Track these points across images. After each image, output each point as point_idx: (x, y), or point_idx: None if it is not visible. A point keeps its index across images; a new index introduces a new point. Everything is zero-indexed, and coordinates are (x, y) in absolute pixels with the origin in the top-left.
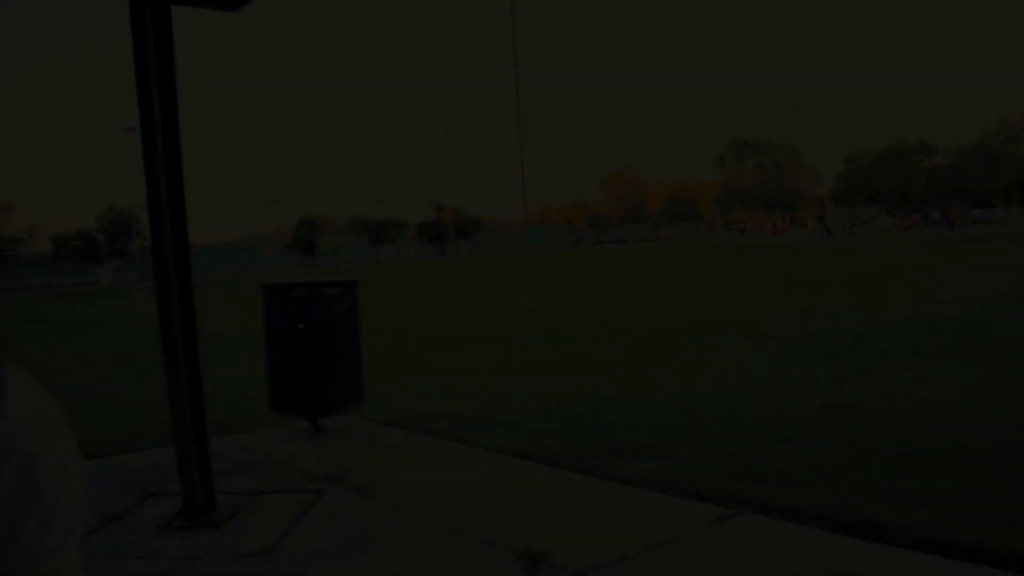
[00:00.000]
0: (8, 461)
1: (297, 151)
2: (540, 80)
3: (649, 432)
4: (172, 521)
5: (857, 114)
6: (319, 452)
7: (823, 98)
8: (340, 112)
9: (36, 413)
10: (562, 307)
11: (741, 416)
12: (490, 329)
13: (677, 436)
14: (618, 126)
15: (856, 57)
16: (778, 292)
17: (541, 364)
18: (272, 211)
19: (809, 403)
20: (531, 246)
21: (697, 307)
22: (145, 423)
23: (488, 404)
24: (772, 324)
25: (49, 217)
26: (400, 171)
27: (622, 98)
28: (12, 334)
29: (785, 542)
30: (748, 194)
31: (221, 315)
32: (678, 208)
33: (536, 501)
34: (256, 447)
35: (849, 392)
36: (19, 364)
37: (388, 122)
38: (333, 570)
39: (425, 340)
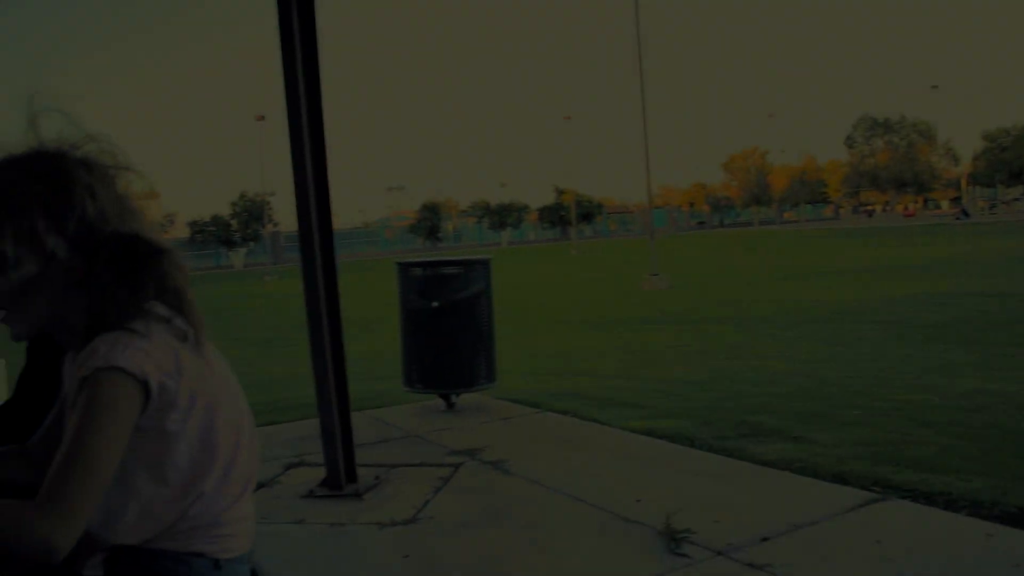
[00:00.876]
0: (194, 410)
1: (419, 136)
2: (662, 62)
3: (783, 414)
4: (315, 490)
5: (997, 90)
6: (453, 428)
7: (960, 74)
8: (461, 97)
9: (220, 376)
10: (685, 290)
11: (879, 401)
12: (614, 312)
13: (813, 419)
14: (742, 106)
15: (996, 30)
16: (909, 276)
17: (666, 346)
18: (393, 196)
19: (951, 389)
20: (653, 229)
21: (824, 291)
22: (284, 398)
23: (615, 385)
24: (905, 309)
25: (186, 204)
26: (522, 155)
27: (746, 78)
28: None
29: (937, 528)
30: (878, 175)
31: (350, 297)
32: (804, 190)
33: (673, 480)
34: (391, 422)
35: (994, 379)
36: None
37: (510, 106)
38: (474, 539)
39: (550, 322)
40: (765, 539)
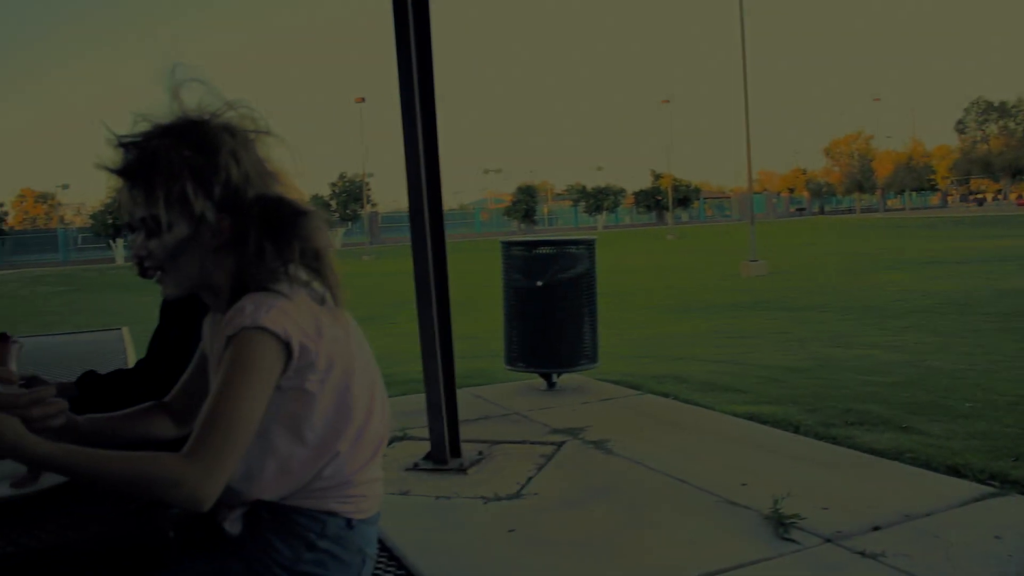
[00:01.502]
0: (332, 372)
1: (516, 119)
2: (763, 44)
3: (892, 404)
4: (420, 463)
5: None
6: (554, 407)
7: None
8: (559, 79)
9: (355, 340)
10: (785, 276)
11: (993, 395)
12: (712, 297)
13: (923, 410)
14: (846, 90)
15: None
16: (1022, 268)
17: (767, 332)
18: (490, 179)
19: None
20: (753, 214)
21: (931, 281)
22: (386, 375)
23: (716, 369)
24: (1018, 302)
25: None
26: (619, 139)
27: (850, 60)
28: None
29: None
30: (991, 161)
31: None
32: (909, 176)
33: (778, 465)
34: (492, 400)
35: None
36: None
37: (608, 89)
38: (579, 517)
39: (648, 306)
40: (876, 528)
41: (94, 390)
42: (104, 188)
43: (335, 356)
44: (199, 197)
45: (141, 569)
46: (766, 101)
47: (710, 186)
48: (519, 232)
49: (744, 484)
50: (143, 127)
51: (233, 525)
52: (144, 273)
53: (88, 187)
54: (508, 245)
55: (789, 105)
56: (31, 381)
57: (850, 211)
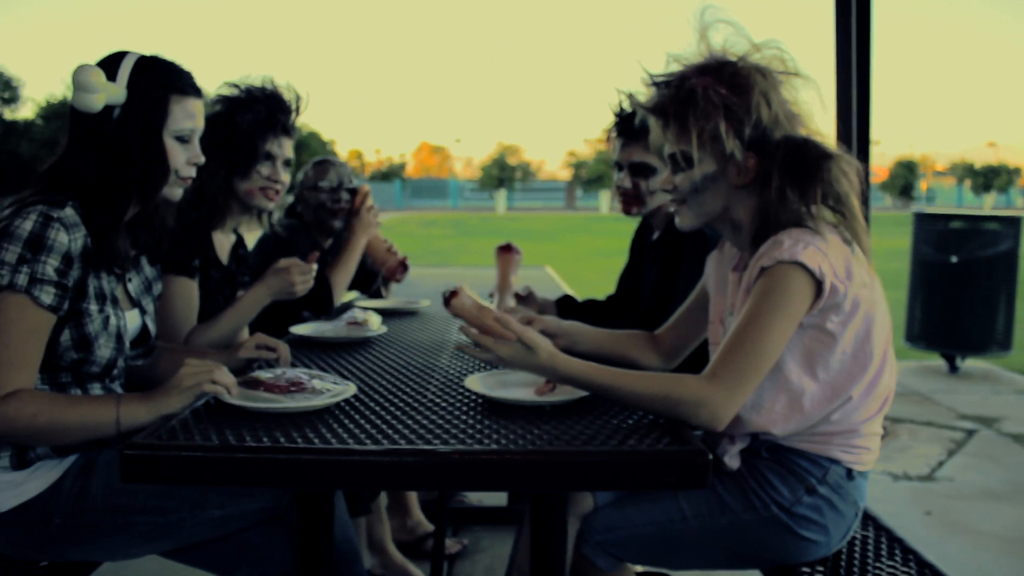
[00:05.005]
0: (855, 316)
1: (894, 89)
2: None
3: None
4: None
5: None
6: (959, 392)
7: None
8: (944, 43)
9: (879, 287)
10: None
11: None
12: None
13: None
14: None
15: None
16: None
17: None
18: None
19: None
20: None
21: None
22: None
23: None
24: None
25: None
26: (1016, 112)
27: None
28: None
29: None
30: None
31: None
32: None
33: None
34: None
35: None
36: None
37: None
38: (1002, 512)
39: None
40: None
41: (571, 313)
42: (491, 145)
43: (861, 300)
44: (730, 136)
45: (681, 483)
46: None
47: None
48: (893, 208)
49: None
50: (674, 67)
51: (732, 459)
52: (628, 210)
53: (477, 143)
54: (922, 217)
55: None
56: (527, 297)
57: None
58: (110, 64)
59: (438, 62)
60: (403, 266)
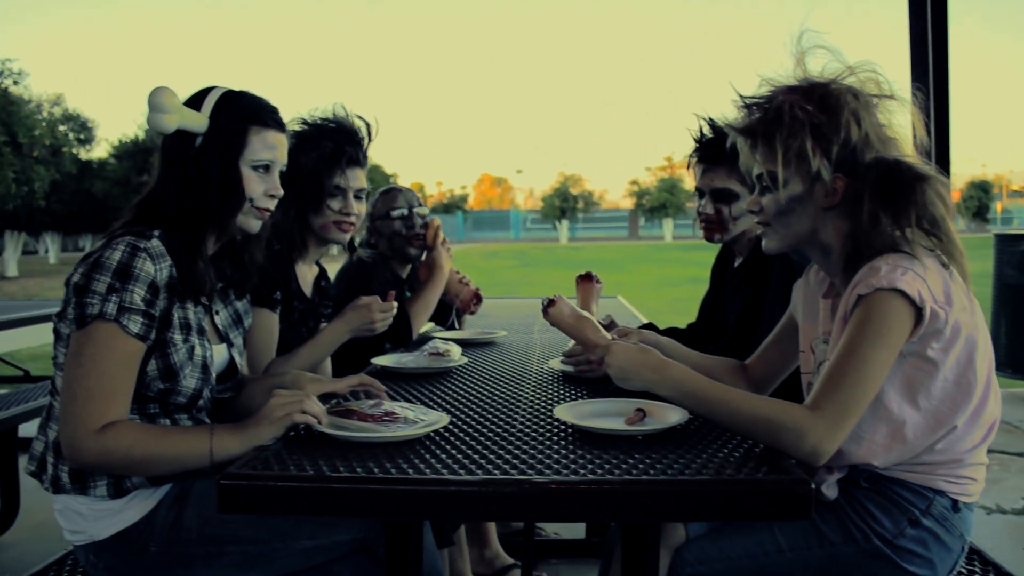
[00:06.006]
0: (956, 342)
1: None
2: None
3: None
4: None
5: None
6: None
7: None
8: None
9: (979, 313)
10: None
11: None
12: None
13: None
14: None
15: None
16: None
17: None
18: None
19: None
20: None
21: None
22: None
23: None
24: None
25: None
26: None
27: None
28: None
29: None
30: None
31: None
32: None
33: None
34: None
35: None
36: None
37: None
38: None
39: None
40: None
41: None
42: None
43: (962, 326)
44: (816, 155)
45: (783, 514)
46: None
47: None
48: (968, 231)
49: None
50: (766, 89)
51: (830, 489)
52: (711, 236)
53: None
54: (1003, 238)
55: None
56: (609, 326)
57: None
58: (198, 96)
59: (498, 93)
60: (477, 297)
